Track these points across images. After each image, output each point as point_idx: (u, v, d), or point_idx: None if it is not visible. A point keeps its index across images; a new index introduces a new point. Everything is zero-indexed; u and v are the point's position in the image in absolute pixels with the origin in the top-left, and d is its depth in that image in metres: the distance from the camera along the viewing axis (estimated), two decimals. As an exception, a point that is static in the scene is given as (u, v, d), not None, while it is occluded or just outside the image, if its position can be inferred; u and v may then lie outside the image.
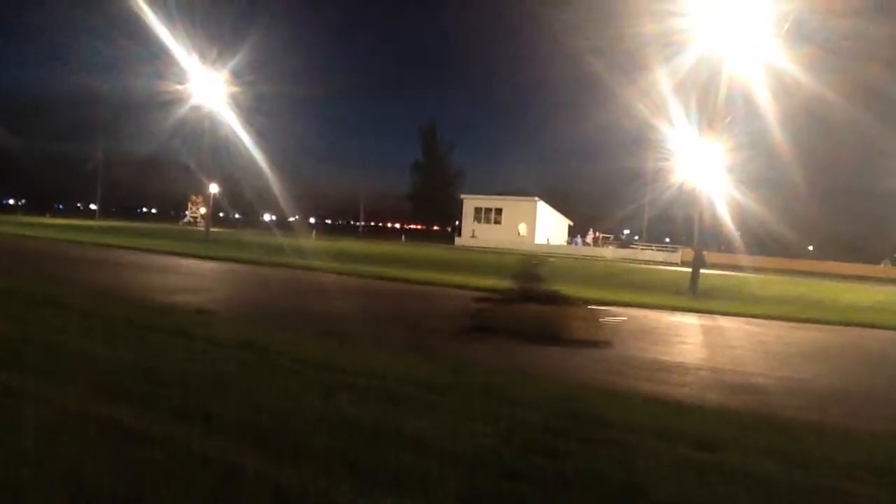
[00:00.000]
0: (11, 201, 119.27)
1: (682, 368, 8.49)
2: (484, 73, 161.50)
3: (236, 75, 39.84)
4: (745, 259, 50.70)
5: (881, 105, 36.49)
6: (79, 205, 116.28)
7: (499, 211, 70.03)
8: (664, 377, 7.82)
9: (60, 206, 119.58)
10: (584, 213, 77.27)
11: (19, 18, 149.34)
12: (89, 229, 45.44)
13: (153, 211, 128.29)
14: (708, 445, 4.83)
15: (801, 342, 12.34)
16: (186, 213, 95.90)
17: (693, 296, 19.57)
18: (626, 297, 17.25)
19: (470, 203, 72.07)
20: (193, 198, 79.74)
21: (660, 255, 57.73)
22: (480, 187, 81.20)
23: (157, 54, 39.59)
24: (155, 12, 34.16)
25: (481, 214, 71.00)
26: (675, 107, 28.52)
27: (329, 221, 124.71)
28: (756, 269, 43.72)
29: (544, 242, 65.60)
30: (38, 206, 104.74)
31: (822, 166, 59.43)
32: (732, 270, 39.85)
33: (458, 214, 75.72)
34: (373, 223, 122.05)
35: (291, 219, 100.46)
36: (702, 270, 21.76)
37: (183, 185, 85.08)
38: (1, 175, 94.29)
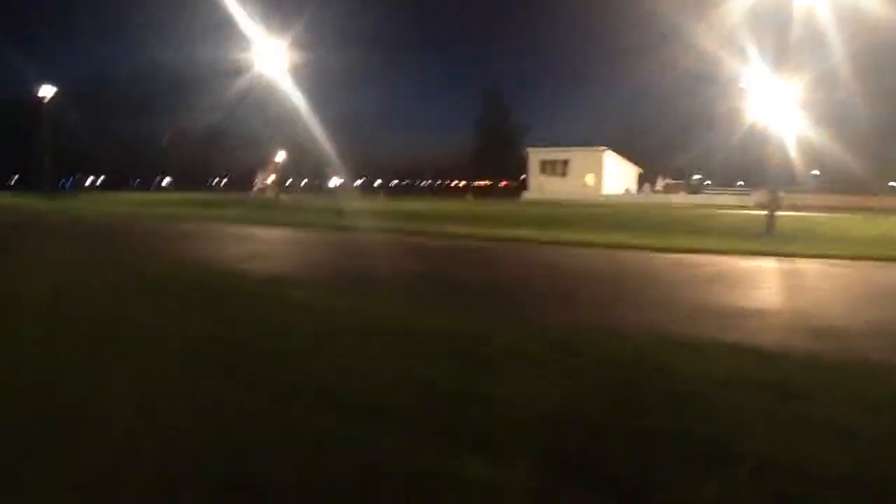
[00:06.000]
0: (89, 181, 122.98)
1: (762, 314, 8.24)
2: (541, 22, 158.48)
3: (298, 42, 40.19)
4: (822, 199, 49.17)
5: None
6: (158, 179, 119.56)
7: (565, 163, 69.08)
8: (744, 324, 7.59)
9: (135, 182, 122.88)
10: (652, 159, 75.84)
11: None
12: (166, 203, 46.72)
13: (223, 182, 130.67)
14: (794, 394, 4.67)
15: (887, 283, 11.87)
16: (255, 181, 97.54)
17: (769, 239, 19.01)
18: (700, 244, 16.86)
19: (535, 156, 71.35)
20: (271, 164, 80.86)
21: (733, 199, 56.33)
22: (544, 138, 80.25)
23: (220, 24, 40.28)
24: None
25: (547, 167, 70.20)
26: (744, 42, 27.57)
27: (395, 182, 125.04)
28: (834, 209, 42.33)
29: (614, 192, 64.67)
30: (115, 183, 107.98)
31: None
32: (810, 211, 38.64)
33: (524, 168, 75.15)
34: (438, 182, 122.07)
35: (357, 182, 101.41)
36: (778, 212, 21.13)
37: (248, 155, 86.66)
38: (77, 156, 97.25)
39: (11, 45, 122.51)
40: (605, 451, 3.70)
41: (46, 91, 60.25)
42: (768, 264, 13.76)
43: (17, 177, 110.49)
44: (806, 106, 27.44)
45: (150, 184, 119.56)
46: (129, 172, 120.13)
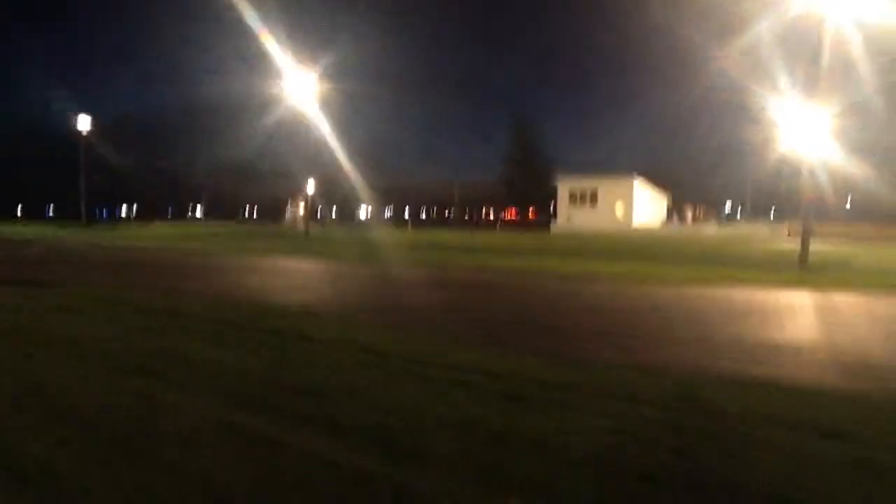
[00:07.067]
0: (123, 212, 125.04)
1: (797, 350, 8.15)
2: (569, 54, 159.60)
3: (328, 76, 40.84)
4: (856, 229, 48.46)
5: None
6: (189, 212, 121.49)
7: (594, 192, 68.57)
8: (779, 360, 7.52)
9: (169, 212, 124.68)
10: (682, 189, 75.39)
11: (117, 41, 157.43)
12: (201, 235, 47.29)
13: (254, 214, 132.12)
14: (835, 434, 4.64)
15: (926, 316, 11.69)
16: (286, 213, 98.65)
17: (803, 270, 18.82)
18: (731, 275, 16.78)
19: (564, 186, 70.95)
20: (301, 195, 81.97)
21: (765, 230, 55.66)
22: (572, 167, 79.88)
23: (252, 58, 41.18)
24: (250, 20, 35.76)
25: (577, 197, 69.80)
26: (774, 72, 27.49)
27: (424, 214, 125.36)
28: (868, 240, 41.66)
29: (646, 223, 64.29)
30: (148, 213, 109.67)
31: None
32: (843, 241, 38.08)
33: (553, 198, 74.90)
34: (467, 213, 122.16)
35: (386, 213, 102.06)
36: (811, 243, 20.87)
37: (278, 187, 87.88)
38: (112, 187, 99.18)
39: (50, 79, 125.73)
40: (655, 492, 3.72)
41: (84, 123, 61.55)
42: (801, 296, 13.61)
43: (52, 206, 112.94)
44: (838, 135, 27.13)
45: (183, 214, 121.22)
46: (161, 203, 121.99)
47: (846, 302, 13.00)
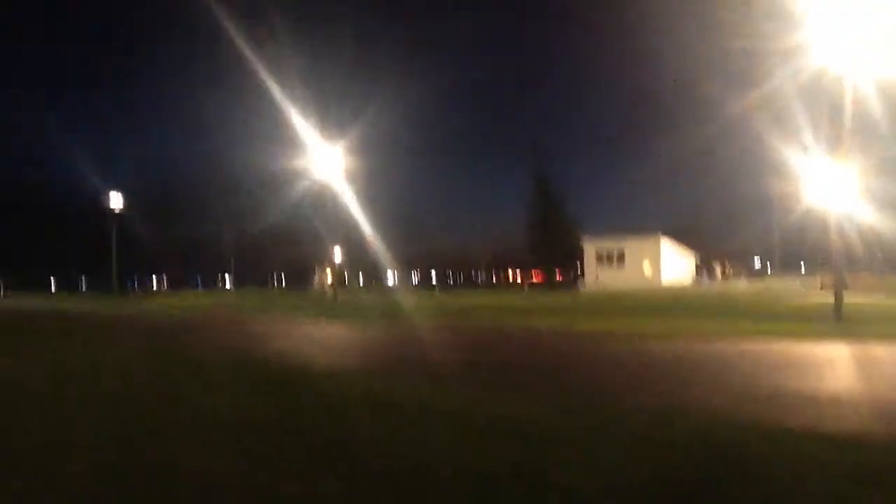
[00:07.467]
0: (154, 283, 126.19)
1: (837, 401, 8.13)
2: (590, 117, 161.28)
3: (352, 146, 41.88)
4: (889, 282, 47.92)
5: None
6: (219, 281, 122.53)
7: (621, 252, 68.48)
8: (817, 411, 7.51)
9: (198, 281, 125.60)
10: (709, 246, 75.16)
11: (143, 111, 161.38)
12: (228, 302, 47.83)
13: (282, 279, 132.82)
14: (874, 482, 4.73)
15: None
16: (314, 279, 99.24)
17: (838, 322, 18.71)
18: (767, 328, 16.75)
19: (591, 246, 70.93)
20: (328, 262, 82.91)
21: (796, 283, 55.14)
22: (598, 228, 79.96)
23: (276, 132, 42.37)
24: (278, 94, 36.95)
25: (603, 257, 69.69)
26: (798, 128, 27.74)
27: (450, 275, 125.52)
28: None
29: (675, 280, 63.93)
30: (177, 283, 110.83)
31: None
32: (877, 294, 37.62)
33: (579, 259, 74.84)
34: (493, 273, 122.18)
35: (413, 278, 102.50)
36: (844, 295, 20.73)
37: (305, 254, 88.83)
38: (141, 260, 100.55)
39: (80, 154, 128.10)
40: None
41: (115, 197, 63.01)
42: (838, 348, 13.52)
43: (85, 279, 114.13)
44: (865, 190, 27.15)
45: (212, 283, 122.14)
46: (190, 272, 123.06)
47: (886, 353, 12.91)
